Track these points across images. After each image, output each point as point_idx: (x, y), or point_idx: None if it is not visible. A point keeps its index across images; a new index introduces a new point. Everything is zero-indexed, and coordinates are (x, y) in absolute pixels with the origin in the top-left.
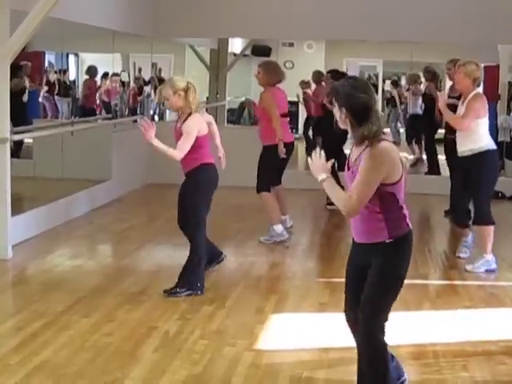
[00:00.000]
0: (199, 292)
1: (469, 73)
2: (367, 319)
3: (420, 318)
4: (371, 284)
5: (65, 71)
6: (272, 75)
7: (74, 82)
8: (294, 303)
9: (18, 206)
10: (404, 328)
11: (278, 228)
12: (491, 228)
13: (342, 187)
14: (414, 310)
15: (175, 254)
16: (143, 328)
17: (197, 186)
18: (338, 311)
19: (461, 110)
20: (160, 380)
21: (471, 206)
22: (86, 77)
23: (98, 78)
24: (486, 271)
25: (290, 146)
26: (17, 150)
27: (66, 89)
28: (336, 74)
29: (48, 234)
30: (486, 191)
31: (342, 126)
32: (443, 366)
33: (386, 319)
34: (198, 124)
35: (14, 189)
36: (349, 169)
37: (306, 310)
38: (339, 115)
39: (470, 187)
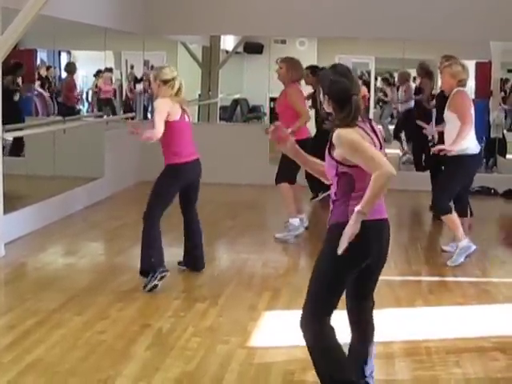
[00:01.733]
0: (163, 270)
1: (454, 74)
2: (304, 308)
3: (412, 315)
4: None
5: (48, 67)
6: (295, 72)
7: (60, 78)
8: (287, 300)
9: (10, 204)
10: (396, 325)
11: (295, 221)
12: (452, 216)
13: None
14: (406, 306)
15: (168, 252)
16: (136, 326)
17: (166, 179)
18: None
19: (447, 109)
20: (153, 378)
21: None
22: (65, 74)
23: (80, 75)
24: (467, 257)
25: (307, 142)
26: (16, 148)
27: (49, 85)
28: (315, 70)
29: (41, 231)
30: (451, 189)
31: (327, 109)
32: (436, 362)
33: (327, 311)
34: (168, 103)
35: (6, 187)
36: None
37: (299, 307)
38: (325, 103)
39: (439, 180)
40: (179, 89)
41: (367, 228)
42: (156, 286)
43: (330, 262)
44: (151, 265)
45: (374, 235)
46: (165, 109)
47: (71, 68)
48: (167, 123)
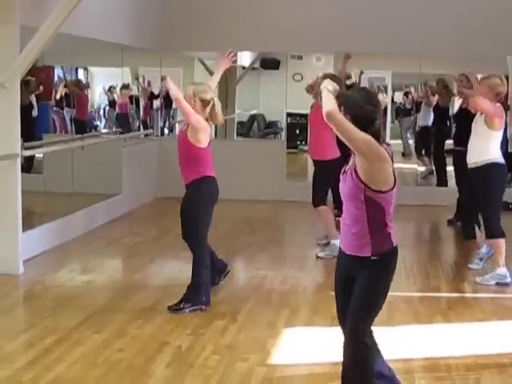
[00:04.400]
0: (203, 307)
1: (492, 86)
2: (351, 333)
3: (432, 331)
4: (356, 298)
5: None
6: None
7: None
8: (306, 317)
9: (28, 221)
10: (416, 341)
11: (337, 242)
12: (502, 241)
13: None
14: (425, 323)
15: (186, 268)
16: (155, 343)
17: (197, 198)
18: None
19: (478, 121)
20: None
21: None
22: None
23: (97, 92)
24: (497, 284)
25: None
26: (28, 165)
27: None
28: (333, 78)
29: (59, 248)
30: (492, 203)
31: None
32: (456, 379)
33: (370, 333)
34: (207, 130)
35: (25, 204)
36: (344, 172)
37: (317, 323)
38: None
39: (478, 200)
40: (217, 114)
41: (394, 253)
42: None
43: (380, 295)
44: (200, 300)
45: (396, 260)
46: (202, 122)
47: (81, 84)
48: (195, 148)
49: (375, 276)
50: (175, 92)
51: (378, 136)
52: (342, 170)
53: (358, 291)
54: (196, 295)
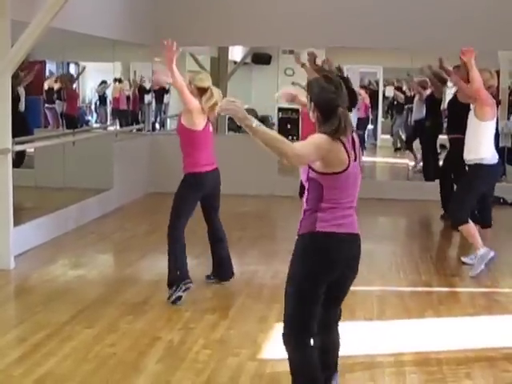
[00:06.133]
0: (188, 282)
1: (483, 80)
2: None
3: (423, 326)
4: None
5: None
6: None
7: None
8: None
9: (20, 216)
10: (407, 336)
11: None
12: (468, 226)
13: None
14: (416, 317)
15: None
16: (146, 338)
17: (181, 196)
18: (341, 320)
19: (470, 115)
20: None
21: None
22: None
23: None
24: (486, 265)
25: None
26: (18, 160)
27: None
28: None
29: (50, 243)
30: (467, 198)
31: (311, 119)
32: (446, 373)
33: (312, 324)
34: (201, 113)
35: (16, 199)
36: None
37: None
38: (310, 112)
39: (456, 191)
40: (215, 103)
41: (330, 240)
42: (180, 297)
43: (301, 279)
44: (177, 277)
45: (335, 247)
46: (193, 101)
47: (70, 78)
48: (191, 132)
49: (295, 256)
50: (167, 72)
51: (344, 124)
52: None
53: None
54: (173, 276)
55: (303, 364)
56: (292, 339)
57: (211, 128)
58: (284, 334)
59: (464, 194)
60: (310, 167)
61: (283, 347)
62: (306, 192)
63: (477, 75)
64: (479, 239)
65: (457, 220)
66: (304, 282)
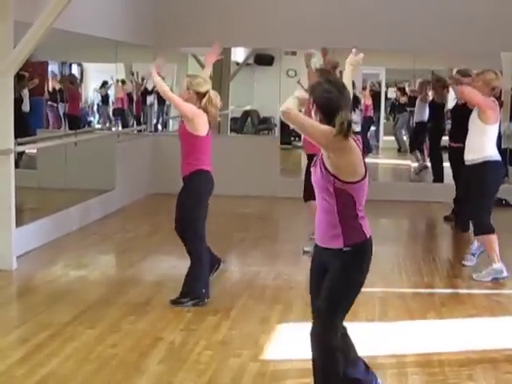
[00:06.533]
0: (205, 299)
1: (488, 81)
2: (321, 322)
3: (425, 327)
4: (325, 288)
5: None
6: None
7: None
8: (299, 313)
9: (22, 217)
10: (409, 337)
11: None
12: (492, 236)
13: None
14: (418, 318)
15: (179, 265)
16: (148, 339)
17: (195, 196)
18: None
19: (473, 117)
20: None
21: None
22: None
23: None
24: (493, 279)
25: None
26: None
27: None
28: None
29: (52, 244)
30: (484, 201)
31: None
32: (448, 375)
33: (341, 324)
34: (202, 116)
35: (18, 199)
36: (314, 165)
37: (310, 319)
38: (313, 110)
39: (471, 197)
40: (213, 107)
41: (367, 245)
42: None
43: (350, 287)
44: (199, 293)
45: (371, 251)
46: (195, 111)
47: (72, 79)
48: (194, 137)
49: (346, 267)
50: (158, 82)
51: (347, 126)
52: (313, 163)
53: (329, 282)
54: (195, 288)
55: (333, 361)
56: (325, 338)
57: (211, 132)
58: (317, 334)
59: (478, 197)
60: (335, 178)
61: (313, 346)
62: (325, 203)
63: (472, 94)
64: (497, 252)
65: (482, 228)
66: (353, 290)
